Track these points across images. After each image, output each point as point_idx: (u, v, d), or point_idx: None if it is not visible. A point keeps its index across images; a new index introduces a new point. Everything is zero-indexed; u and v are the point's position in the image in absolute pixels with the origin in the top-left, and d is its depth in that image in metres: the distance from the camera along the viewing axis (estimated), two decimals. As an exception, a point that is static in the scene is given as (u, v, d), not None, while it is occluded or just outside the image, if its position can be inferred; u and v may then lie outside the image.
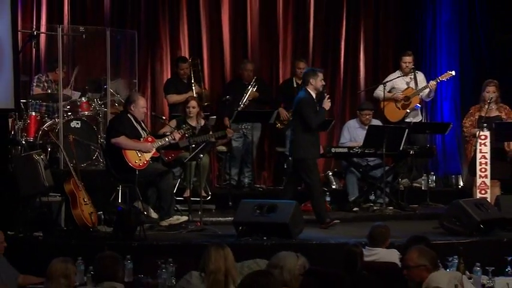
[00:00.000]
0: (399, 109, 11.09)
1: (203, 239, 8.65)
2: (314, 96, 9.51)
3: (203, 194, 10.18)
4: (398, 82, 11.19)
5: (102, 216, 9.14)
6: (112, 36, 11.24)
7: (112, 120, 9.90)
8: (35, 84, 11.07)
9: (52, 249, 7.60)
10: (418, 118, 11.27)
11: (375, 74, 12.61)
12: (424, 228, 9.16)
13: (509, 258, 7.03)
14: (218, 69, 12.60)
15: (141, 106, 9.40)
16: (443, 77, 11.01)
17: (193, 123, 10.37)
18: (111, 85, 11.20)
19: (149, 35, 12.40)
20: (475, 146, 9.78)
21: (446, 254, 7.04)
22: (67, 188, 8.73)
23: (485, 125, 9.80)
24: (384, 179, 10.41)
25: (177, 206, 9.68)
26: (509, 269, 6.94)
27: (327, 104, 9.53)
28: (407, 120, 11.03)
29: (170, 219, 9.21)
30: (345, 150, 10.76)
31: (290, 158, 10.11)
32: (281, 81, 12.44)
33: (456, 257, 6.91)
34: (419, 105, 11.23)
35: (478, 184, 9.71)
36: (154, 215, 9.37)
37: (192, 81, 11.43)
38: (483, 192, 9.68)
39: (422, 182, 11.47)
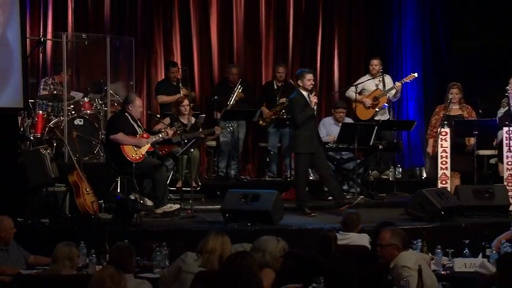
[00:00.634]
0: (369, 108, 11.10)
1: (193, 225, 8.68)
2: (306, 95, 9.45)
3: (193, 184, 10.15)
4: (368, 84, 11.20)
5: (103, 205, 9.12)
6: (111, 43, 11.19)
7: (111, 118, 9.87)
8: (42, 85, 11.02)
9: (57, 234, 7.56)
10: (386, 116, 11.28)
11: (348, 77, 12.60)
12: (391, 215, 9.17)
13: (467, 242, 7.05)
14: (207, 73, 12.58)
15: (137, 106, 9.37)
16: (407, 79, 11.02)
17: (184, 120, 10.34)
18: (111, 87, 11.15)
19: (145, 41, 12.35)
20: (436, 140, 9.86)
21: (411, 238, 7.00)
22: (71, 179, 8.70)
23: (445, 122, 9.84)
24: (356, 171, 10.42)
25: (170, 195, 9.64)
26: (466, 251, 6.95)
27: (312, 100, 9.47)
28: (376, 118, 11.04)
29: (164, 207, 9.19)
30: (321, 145, 10.76)
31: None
32: (263, 83, 12.42)
33: (420, 240, 6.91)
34: (387, 105, 11.23)
35: (439, 175, 9.75)
36: (149, 203, 9.34)
37: (180, 84, 11.42)
38: (444, 182, 9.72)
39: (390, 173, 11.50)
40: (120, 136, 9.12)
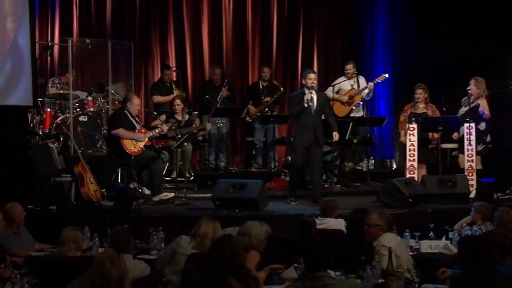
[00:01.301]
0: (345, 106, 11.11)
1: (187, 212, 8.68)
2: (307, 92, 9.28)
3: (187, 175, 10.16)
4: (344, 84, 11.19)
5: (105, 193, 9.10)
6: (112, 47, 11.17)
7: (112, 115, 9.83)
8: (49, 85, 10.98)
9: (64, 220, 7.52)
10: (360, 113, 11.28)
11: (326, 78, 12.59)
12: (365, 202, 9.19)
13: (432, 226, 7.09)
14: (199, 74, 12.57)
15: (135, 104, 9.37)
16: (379, 79, 11.01)
17: (179, 117, 10.32)
18: (112, 87, 11.13)
19: (143, 46, 12.33)
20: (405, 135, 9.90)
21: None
22: (76, 170, 8.68)
23: (413, 119, 9.88)
24: (333, 163, 10.45)
25: (166, 184, 9.65)
26: (431, 234, 6.99)
27: (305, 96, 9.27)
28: (351, 115, 11.05)
29: (160, 195, 9.18)
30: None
31: None
32: (250, 83, 12.42)
33: (390, 225, 6.94)
34: (361, 103, 11.25)
35: (407, 166, 9.79)
36: (147, 192, 9.34)
37: (173, 85, 11.39)
38: (412, 173, 9.75)
39: (364, 165, 11.52)
40: (120, 131, 9.11)
